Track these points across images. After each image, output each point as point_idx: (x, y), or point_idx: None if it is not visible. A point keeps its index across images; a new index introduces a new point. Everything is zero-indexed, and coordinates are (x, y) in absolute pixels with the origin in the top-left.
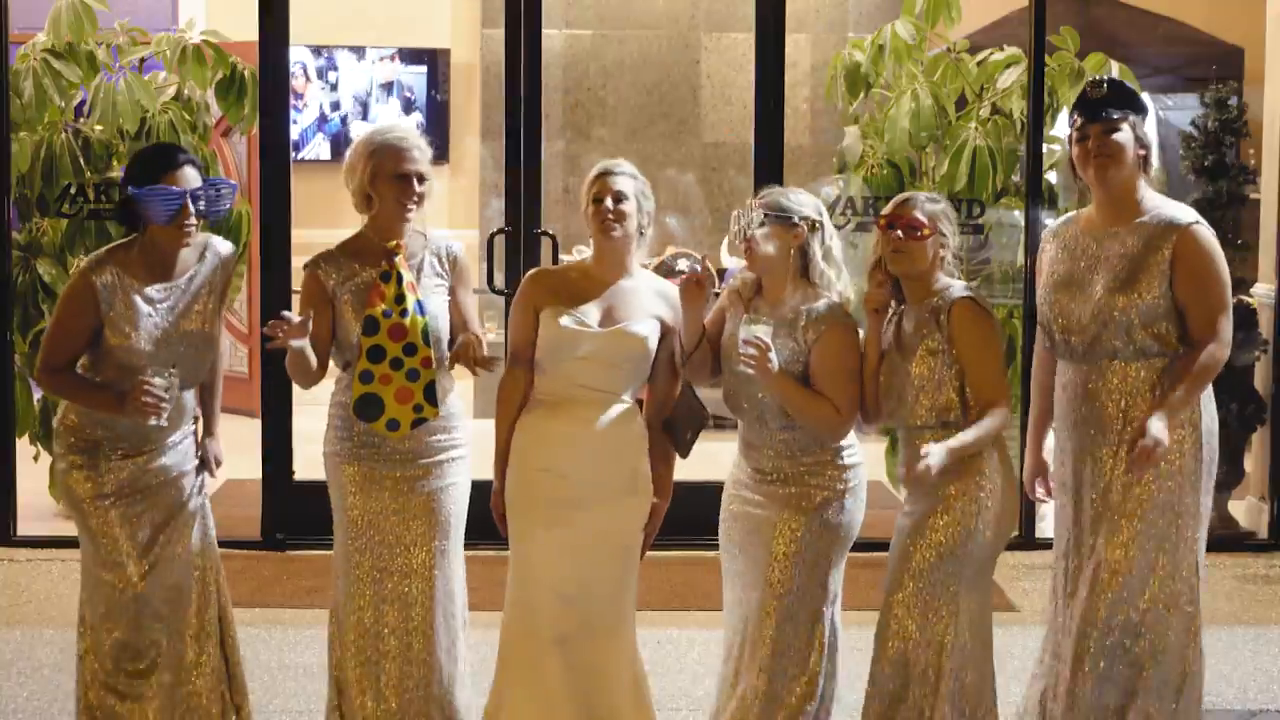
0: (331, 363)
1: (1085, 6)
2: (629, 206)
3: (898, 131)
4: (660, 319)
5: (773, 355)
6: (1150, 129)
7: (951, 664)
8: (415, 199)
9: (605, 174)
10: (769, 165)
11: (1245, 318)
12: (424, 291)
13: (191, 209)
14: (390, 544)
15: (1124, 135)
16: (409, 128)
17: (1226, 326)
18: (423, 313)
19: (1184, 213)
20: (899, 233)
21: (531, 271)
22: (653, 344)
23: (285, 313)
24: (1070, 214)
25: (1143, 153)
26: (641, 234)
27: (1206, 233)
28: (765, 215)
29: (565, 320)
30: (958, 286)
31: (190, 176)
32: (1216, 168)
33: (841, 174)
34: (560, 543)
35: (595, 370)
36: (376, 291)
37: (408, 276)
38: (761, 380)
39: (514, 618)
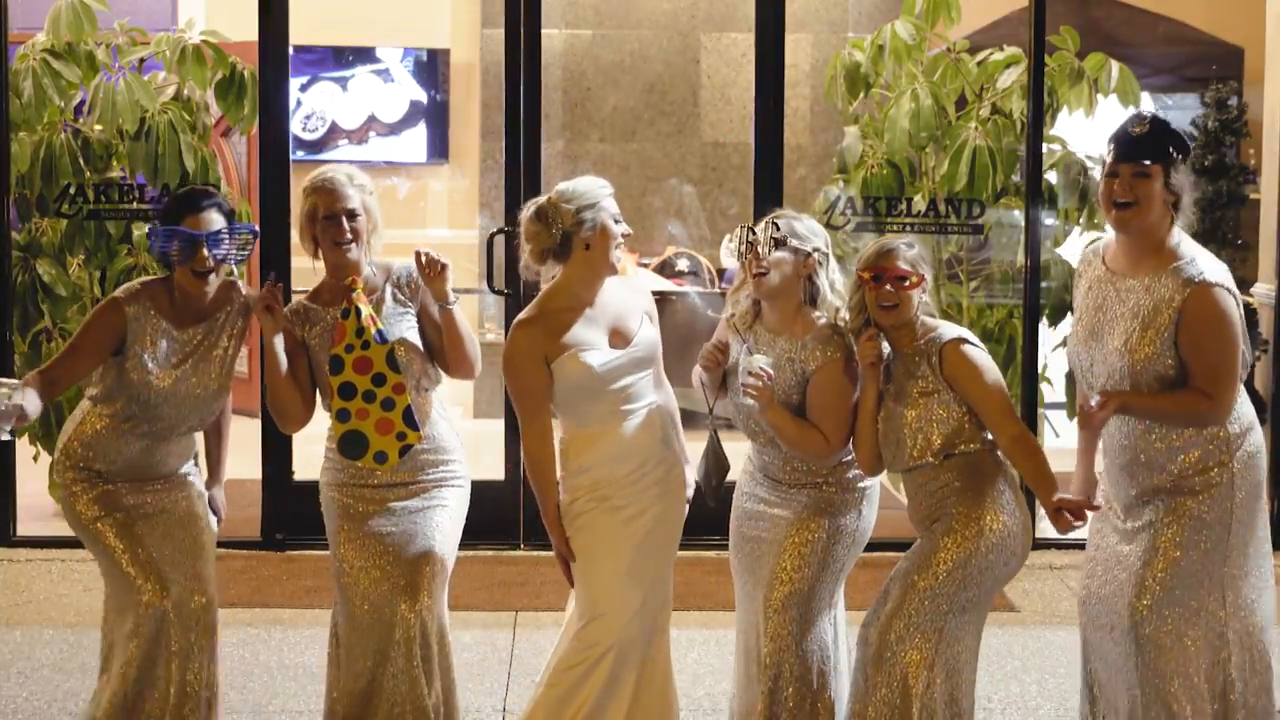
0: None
1: (1085, 6)
2: None
3: (898, 131)
4: (644, 309)
5: (770, 375)
6: (1186, 173)
7: (939, 685)
8: (347, 237)
9: (610, 195)
10: (769, 165)
11: (1245, 318)
12: (387, 321)
13: (206, 253)
14: (381, 568)
15: (1154, 184)
16: (345, 167)
17: (1226, 394)
18: (384, 340)
19: (1203, 270)
20: (889, 286)
21: (519, 321)
22: (657, 334)
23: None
24: (1101, 242)
25: (1173, 199)
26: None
27: (1223, 295)
28: (780, 240)
29: (594, 360)
30: (946, 328)
31: (211, 220)
32: (1216, 168)
33: (842, 174)
34: (639, 553)
35: (632, 387)
36: (339, 330)
37: (366, 310)
38: (761, 411)
39: (590, 630)
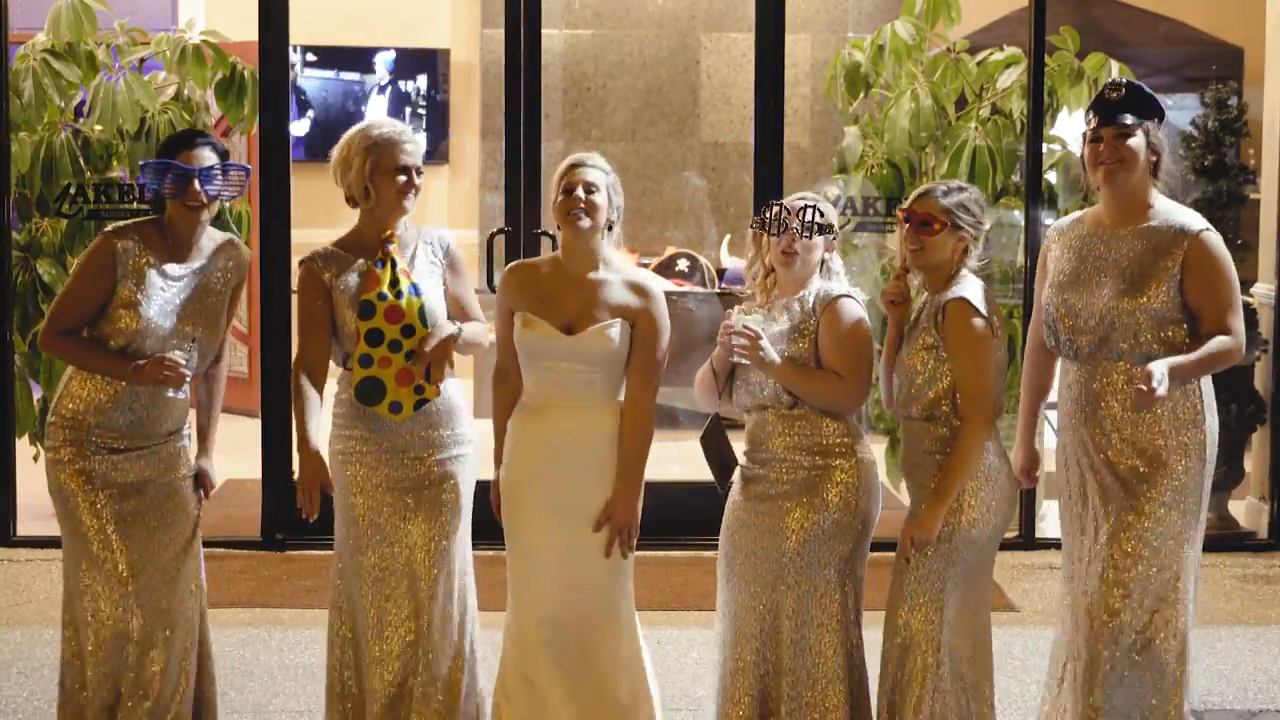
0: (332, 362)
1: (1085, 6)
2: (599, 198)
3: (898, 131)
4: (625, 308)
5: (765, 343)
6: (1164, 134)
7: (944, 661)
8: (413, 190)
9: (577, 165)
10: (769, 165)
11: (1245, 318)
12: (419, 276)
13: (199, 187)
14: (391, 542)
15: (1137, 142)
16: (400, 122)
17: (1239, 326)
18: (418, 294)
19: (1194, 219)
20: (912, 228)
21: (509, 266)
22: (618, 340)
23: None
24: (1076, 214)
25: (1154, 159)
26: (610, 228)
27: (1216, 239)
28: (819, 227)
29: (525, 326)
30: (962, 286)
31: (204, 156)
32: (1216, 168)
33: (842, 174)
34: (545, 544)
35: (568, 376)
36: (372, 277)
37: (402, 263)
38: (757, 367)
39: (511, 615)
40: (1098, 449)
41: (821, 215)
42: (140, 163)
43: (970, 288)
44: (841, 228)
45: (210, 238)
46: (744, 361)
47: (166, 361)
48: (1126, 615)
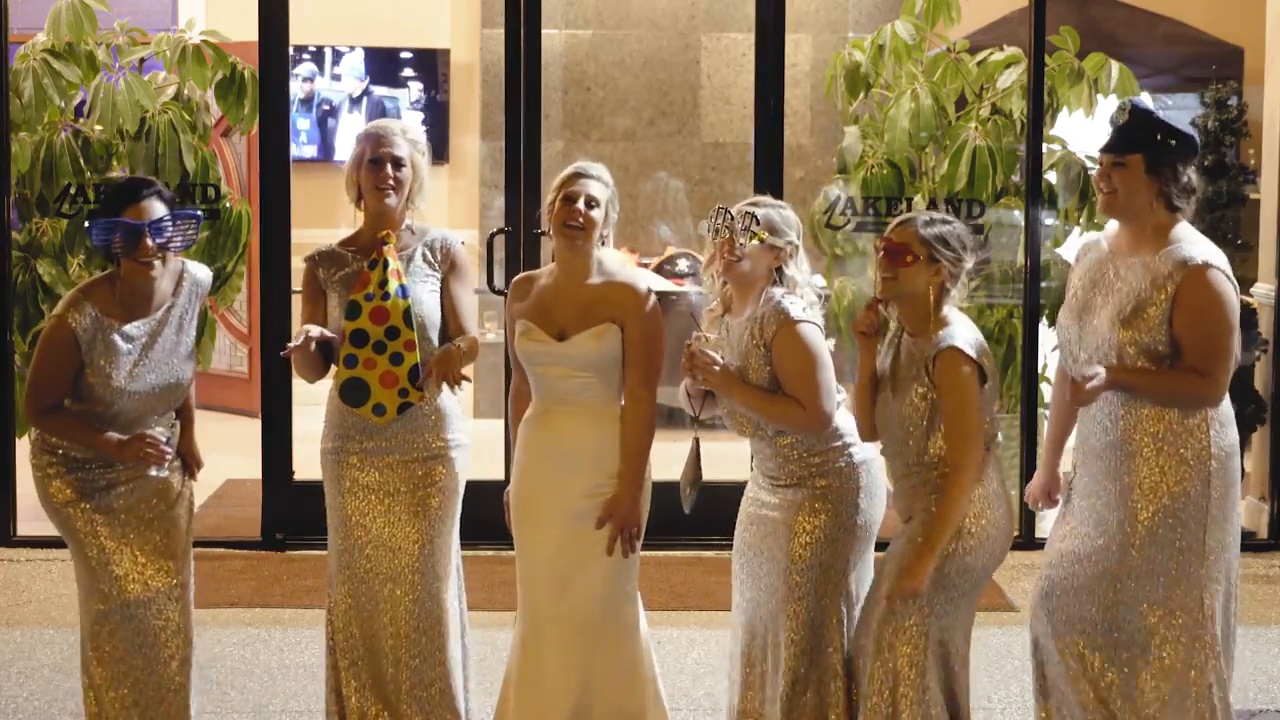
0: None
1: (1085, 6)
2: (598, 214)
3: (898, 131)
4: (615, 310)
5: (720, 367)
6: (1182, 164)
7: (932, 689)
8: (389, 182)
9: (582, 175)
10: (769, 165)
11: (1245, 318)
12: (410, 279)
13: (150, 242)
14: (378, 545)
15: (1128, 174)
16: (398, 119)
17: (1218, 374)
18: (405, 296)
19: (1199, 252)
20: (887, 256)
21: (514, 280)
22: (607, 343)
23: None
24: (1100, 234)
25: (1165, 188)
26: (603, 242)
27: (1218, 277)
28: (755, 231)
29: (523, 335)
30: (950, 332)
31: (152, 209)
32: (1216, 168)
33: (842, 174)
34: (551, 548)
35: (564, 382)
36: (362, 278)
37: (394, 264)
38: (714, 386)
39: (519, 617)
40: (1102, 475)
41: (756, 222)
42: (86, 222)
43: (960, 334)
44: (840, 228)
45: (166, 277)
46: (703, 385)
47: (148, 439)
48: (1109, 664)
